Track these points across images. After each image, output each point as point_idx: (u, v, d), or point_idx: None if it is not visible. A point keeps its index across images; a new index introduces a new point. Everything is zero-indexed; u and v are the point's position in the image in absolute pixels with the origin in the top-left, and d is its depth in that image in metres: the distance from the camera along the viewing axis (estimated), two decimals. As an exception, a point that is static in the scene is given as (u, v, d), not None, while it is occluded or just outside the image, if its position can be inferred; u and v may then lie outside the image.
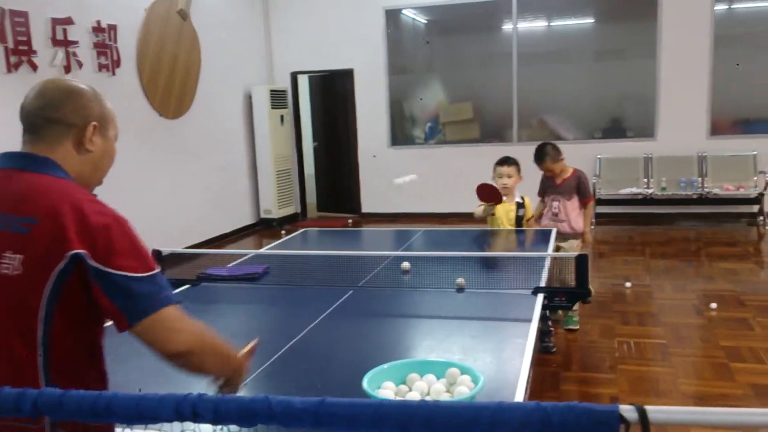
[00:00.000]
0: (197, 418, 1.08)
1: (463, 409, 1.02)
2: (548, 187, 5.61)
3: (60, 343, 1.65)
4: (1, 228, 1.65)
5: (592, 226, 9.51)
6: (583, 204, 5.58)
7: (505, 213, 5.40)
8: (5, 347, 1.64)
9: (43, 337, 1.62)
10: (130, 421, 1.11)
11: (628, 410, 1.02)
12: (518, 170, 5.46)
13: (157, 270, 1.66)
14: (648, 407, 1.02)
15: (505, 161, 5.46)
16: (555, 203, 5.53)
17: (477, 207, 5.48)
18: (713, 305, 5.81)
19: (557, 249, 5.12)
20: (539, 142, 5.78)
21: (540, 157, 5.51)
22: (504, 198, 5.37)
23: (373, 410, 1.01)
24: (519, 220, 5.41)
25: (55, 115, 1.74)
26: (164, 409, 1.07)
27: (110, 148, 1.87)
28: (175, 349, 1.65)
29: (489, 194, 5.37)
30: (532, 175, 5.74)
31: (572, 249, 5.31)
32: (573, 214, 5.52)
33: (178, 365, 1.70)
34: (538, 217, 5.70)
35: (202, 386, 1.77)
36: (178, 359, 1.68)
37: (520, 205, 5.42)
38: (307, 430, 1.05)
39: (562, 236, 5.39)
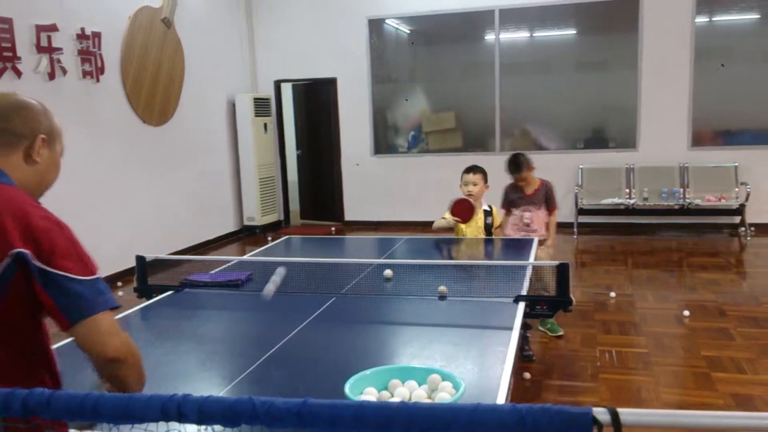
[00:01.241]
0: (182, 418, 1.10)
1: (442, 411, 1.05)
2: (518, 199, 5.69)
3: (3, 346, 1.67)
4: None
5: (575, 236, 9.60)
6: (550, 212, 5.73)
7: (474, 221, 5.43)
8: None
9: None
10: (116, 421, 1.12)
11: (601, 412, 1.05)
12: (485, 179, 5.50)
13: (98, 275, 1.71)
14: (620, 410, 1.05)
15: (471, 169, 5.51)
16: (527, 214, 5.64)
17: (439, 219, 5.51)
18: (686, 312, 5.89)
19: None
20: (521, 152, 5.89)
21: (518, 166, 5.62)
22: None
23: (354, 411, 1.04)
24: (488, 228, 5.45)
25: (4, 126, 1.80)
26: (150, 409, 1.09)
27: (56, 162, 1.92)
28: (110, 354, 1.70)
29: (462, 210, 5.41)
30: (501, 184, 5.82)
31: (546, 256, 5.41)
32: (542, 224, 5.67)
33: (107, 373, 1.75)
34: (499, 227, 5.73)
35: (186, 388, 1.78)
36: (110, 365, 1.72)
37: (488, 213, 5.47)
38: (290, 431, 1.08)
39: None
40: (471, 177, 5.47)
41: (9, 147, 1.80)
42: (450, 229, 5.49)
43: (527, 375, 4.64)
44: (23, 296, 1.66)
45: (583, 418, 1.03)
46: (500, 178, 5.79)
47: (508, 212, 5.76)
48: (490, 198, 5.67)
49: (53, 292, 1.64)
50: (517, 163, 5.63)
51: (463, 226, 5.41)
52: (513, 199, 5.72)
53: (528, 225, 5.61)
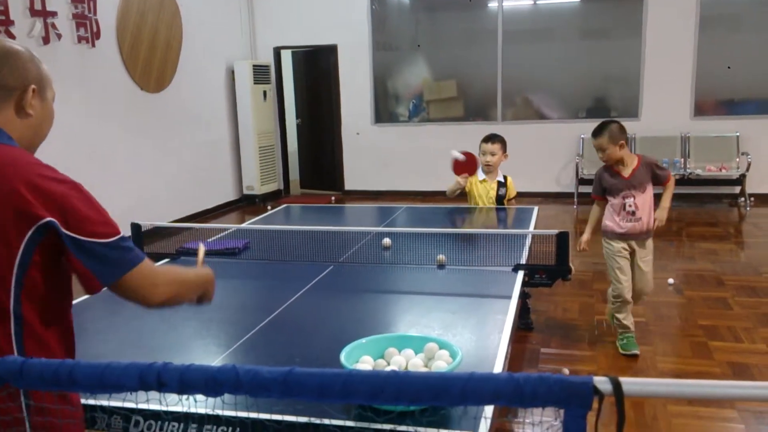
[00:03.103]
0: (162, 387, 1.05)
1: (434, 380, 1.00)
2: (616, 184, 4.61)
3: (31, 313, 1.63)
4: None
5: (576, 206, 9.54)
6: (664, 185, 4.79)
7: (485, 191, 5.38)
8: None
9: (14, 306, 1.60)
10: (93, 390, 1.08)
11: (602, 382, 1.01)
12: (503, 148, 5.40)
13: (122, 233, 1.68)
14: (622, 379, 1.01)
15: (490, 138, 5.43)
16: (629, 200, 4.59)
17: (450, 185, 5.50)
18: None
19: (632, 254, 4.66)
20: (523, 121, 5.76)
21: (599, 131, 4.55)
22: (485, 176, 5.38)
23: (342, 380, 1.00)
24: (500, 199, 5.39)
25: None
26: (128, 378, 1.05)
27: (49, 111, 1.82)
28: (153, 302, 1.72)
29: (463, 165, 5.37)
30: (520, 154, 5.72)
31: (650, 252, 4.76)
32: (648, 209, 4.67)
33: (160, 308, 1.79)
34: (596, 222, 4.85)
35: (181, 357, 1.75)
36: (159, 307, 1.76)
37: (502, 184, 5.40)
38: (275, 400, 1.04)
39: (637, 237, 4.66)
40: (489, 146, 5.39)
41: (0, 102, 1.69)
42: (464, 193, 5.46)
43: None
44: (49, 264, 1.64)
45: (584, 388, 0.99)
46: (509, 146, 5.66)
47: (602, 200, 4.76)
48: (509, 166, 5.61)
49: (86, 258, 1.61)
50: (599, 128, 4.56)
51: (475, 195, 5.37)
52: (608, 185, 4.65)
53: (633, 213, 4.58)
